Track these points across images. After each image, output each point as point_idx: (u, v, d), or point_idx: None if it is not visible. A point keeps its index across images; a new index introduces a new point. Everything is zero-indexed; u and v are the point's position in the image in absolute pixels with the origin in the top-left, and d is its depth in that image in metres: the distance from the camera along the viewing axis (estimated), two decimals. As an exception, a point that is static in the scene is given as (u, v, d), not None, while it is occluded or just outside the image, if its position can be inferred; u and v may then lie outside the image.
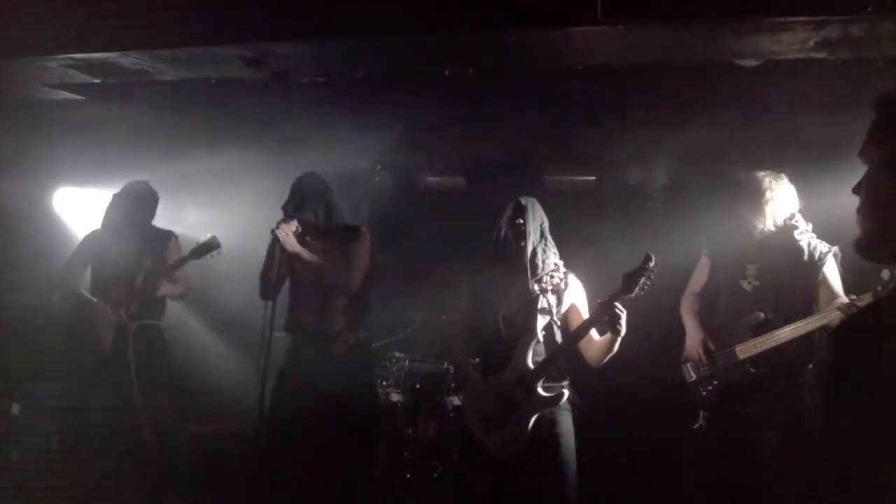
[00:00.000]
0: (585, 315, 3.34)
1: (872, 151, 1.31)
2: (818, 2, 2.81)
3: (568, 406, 3.31)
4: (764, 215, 3.55)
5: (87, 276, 4.45)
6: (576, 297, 3.41)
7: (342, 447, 3.71)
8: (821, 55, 3.18)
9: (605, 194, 5.63)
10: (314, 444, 3.66)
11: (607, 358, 3.21)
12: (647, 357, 3.92)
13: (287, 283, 3.96)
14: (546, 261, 3.37)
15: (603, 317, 3.08)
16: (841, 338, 1.43)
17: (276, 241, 3.67)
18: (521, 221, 3.36)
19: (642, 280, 3.00)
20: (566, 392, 3.25)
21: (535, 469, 3.20)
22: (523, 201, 3.41)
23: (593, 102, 4.57)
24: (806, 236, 3.53)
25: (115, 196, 4.46)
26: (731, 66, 3.55)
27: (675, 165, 5.32)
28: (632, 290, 3.01)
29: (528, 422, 3.19)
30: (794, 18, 2.85)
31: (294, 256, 3.74)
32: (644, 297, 3.06)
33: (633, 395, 4.42)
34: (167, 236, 4.55)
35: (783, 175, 3.60)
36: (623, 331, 3.05)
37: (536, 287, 3.32)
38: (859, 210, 1.35)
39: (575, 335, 3.24)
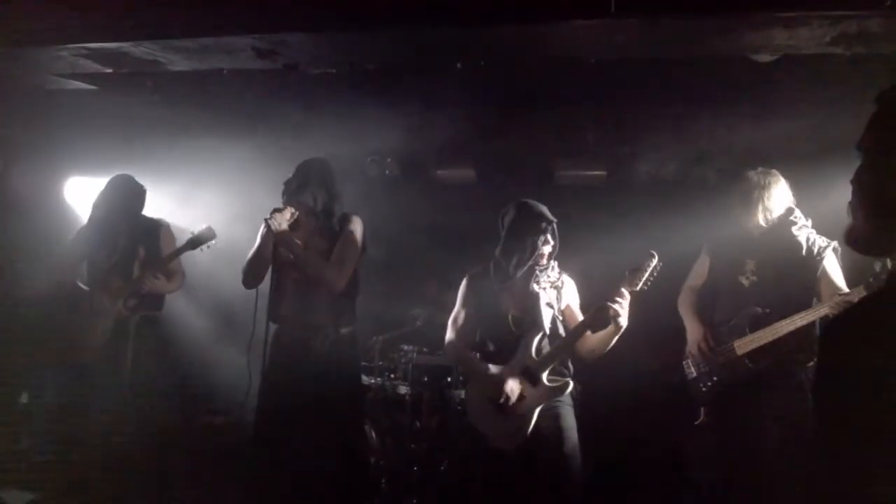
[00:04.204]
0: (578, 315, 3.42)
1: (868, 141, 1.30)
2: (835, -4, 2.79)
3: (570, 401, 3.33)
4: (758, 213, 3.54)
5: (83, 271, 4.39)
6: (570, 298, 3.48)
7: (324, 446, 3.60)
8: (837, 50, 3.15)
9: (617, 189, 5.61)
10: (297, 442, 3.58)
11: (604, 352, 3.25)
12: (650, 353, 3.92)
13: (270, 272, 3.81)
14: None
15: (600, 318, 3.12)
16: (831, 334, 1.42)
17: (267, 229, 3.61)
18: (554, 244, 3.38)
19: (645, 277, 3.10)
20: (571, 382, 3.27)
21: (540, 463, 3.20)
22: (551, 217, 3.36)
23: (606, 96, 4.55)
24: (805, 231, 3.51)
25: (102, 191, 4.38)
26: (746, 60, 3.52)
27: (688, 160, 5.30)
28: (635, 287, 3.10)
29: (533, 413, 3.21)
30: (811, 13, 2.83)
31: (283, 246, 3.65)
32: (650, 292, 3.13)
33: (635, 392, 4.41)
34: (157, 226, 4.45)
35: (774, 171, 3.58)
36: (625, 324, 3.10)
37: (536, 286, 3.36)
38: (851, 201, 1.33)
39: (573, 335, 3.28)
